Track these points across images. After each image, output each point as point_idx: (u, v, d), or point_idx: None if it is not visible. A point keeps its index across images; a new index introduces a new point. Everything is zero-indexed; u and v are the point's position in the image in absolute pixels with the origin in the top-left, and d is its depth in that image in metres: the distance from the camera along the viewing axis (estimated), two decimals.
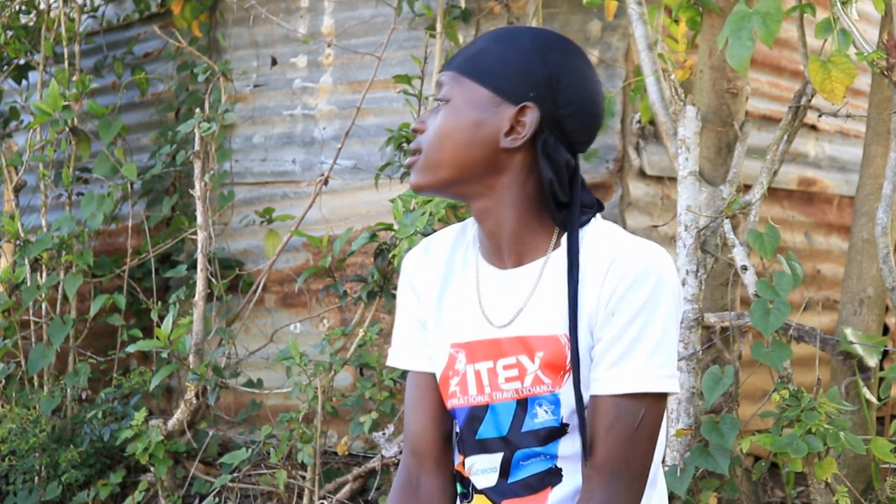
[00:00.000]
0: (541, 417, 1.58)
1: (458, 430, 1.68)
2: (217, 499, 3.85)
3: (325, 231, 4.05)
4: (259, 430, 3.91)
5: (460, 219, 3.19)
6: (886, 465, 3.06)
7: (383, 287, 3.73)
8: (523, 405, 1.59)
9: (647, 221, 4.00)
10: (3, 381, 4.27)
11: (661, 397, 1.54)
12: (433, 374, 1.68)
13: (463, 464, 1.68)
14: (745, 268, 3.05)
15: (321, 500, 3.67)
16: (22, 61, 4.73)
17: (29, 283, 4.25)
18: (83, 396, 4.24)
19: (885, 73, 2.88)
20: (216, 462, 4.05)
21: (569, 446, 1.58)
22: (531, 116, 1.55)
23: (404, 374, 1.73)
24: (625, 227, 3.87)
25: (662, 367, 1.52)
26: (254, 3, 4.36)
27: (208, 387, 3.80)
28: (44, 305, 4.34)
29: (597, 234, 1.58)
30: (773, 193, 4.27)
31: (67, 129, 4.33)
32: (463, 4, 4.05)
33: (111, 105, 4.49)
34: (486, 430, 1.62)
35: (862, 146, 3.54)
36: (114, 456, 4.13)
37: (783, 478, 3.66)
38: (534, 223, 1.60)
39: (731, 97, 3.34)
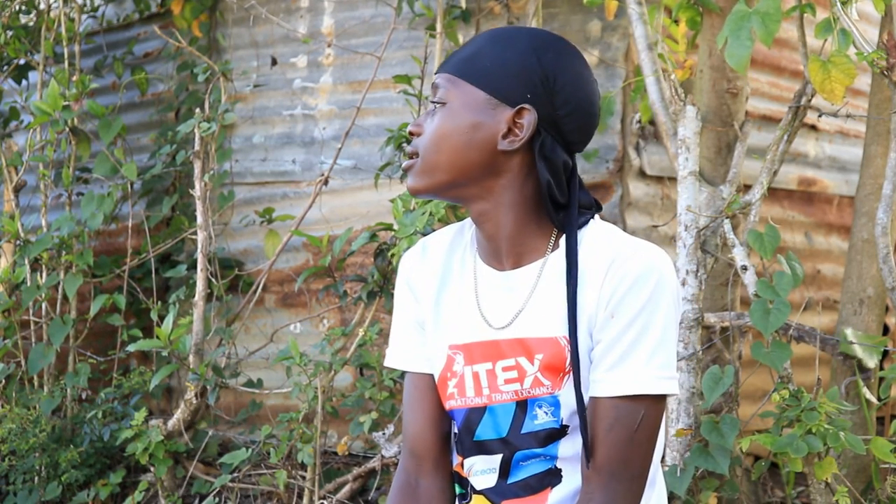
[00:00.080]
0: (541, 419, 1.58)
1: (456, 431, 1.68)
2: (217, 499, 3.85)
3: (325, 231, 4.05)
4: (259, 430, 3.91)
5: (460, 218, 3.19)
6: (886, 465, 3.05)
7: (383, 287, 3.73)
8: (523, 407, 1.59)
9: (647, 221, 3.99)
10: (3, 381, 4.26)
11: (660, 398, 1.54)
12: (431, 375, 1.68)
13: (461, 465, 1.68)
14: (745, 268, 3.05)
15: (321, 500, 3.67)
16: (22, 61, 4.73)
17: (29, 283, 4.25)
18: (83, 396, 4.24)
19: (885, 73, 2.88)
20: (216, 462, 4.05)
21: (569, 447, 1.58)
22: (528, 118, 1.55)
23: (404, 374, 1.73)
24: (625, 227, 3.87)
25: (662, 369, 1.52)
26: (254, 3, 4.36)
27: (208, 387, 3.80)
28: (44, 305, 4.33)
29: (596, 235, 1.58)
30: (773, 193, 4.27)
31: (67, 129, 4.33)
32: (463, 4, 4.05)
33: (111, 105, 4.49)
34: (484, 432, 1.62)
35: (862, 146, 3.54)
36: (114, 456, 4.13)
37: (783, 478, 3.66)
38: (532, 225, 1.60)
39: (731, 97, 3.34)
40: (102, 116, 4.30)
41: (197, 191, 3.96)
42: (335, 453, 4.02)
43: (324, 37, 4.48)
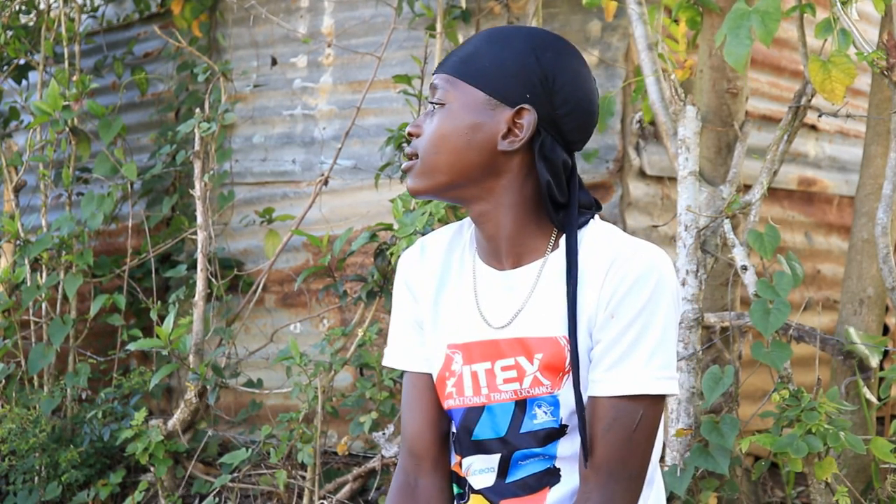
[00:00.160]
0: (540, 418, 1.58)
1: (454, 430, 1.68)
2: (217, 499, 3.85)
3: (325, 231, 4.05)
4: (259, 430, 3.91)
5: (459, 218, 3.19)
6: (886, 465, 3.05)
7: (383, 287, 3.73)
8: (522, 406, 1.59)
9: (647, 221, 3.99)
10: (3, 381, 4.26)
11: (659, 399, 1.54)
12: (430, 375, 1.68)
13: (460, 464, 1.68)
14: (745, 268, 3.05)
15: (321, 500, 3.67)
16: (22, 61, 4.73)
17: (29, 283, 4.25)
18: (83, 396, 4.24)
19: (885, 73, 2.88)
20: (216, 462, 4.05)
21: (567, 447, 1.58)
22: (528, 118, 1.55)
23: (403, 374, 1.73)
24: (625, 227, 3.87)
25: (661, 369, 1.52)
26: (254, 3, 4.36)
27: (208, 387, 3.80)
28: (44, 305, 4.33)
29: (596, 235, 1.58)
30: (773, 193, 4.27)
31: (67, 129, 4.33)
32: (463, 4, 4.05)
33: (111, 105, 4.49)
34: (482, 431, 1.62)
35: (862, 146, 3.54)
36: (114, 456, 4.13)
37: (783, 478, 3.65)
38: (532, 225, 1.60)
39: (731, 97, 3.34)
40: (102, 116, 4.30)
41: (197, 191, 3.96)
42: (335, 453, 4.02)
43: (324, 37, 4.48)
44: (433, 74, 1.62)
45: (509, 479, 1.61)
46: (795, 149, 4.49)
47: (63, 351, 4.30)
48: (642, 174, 4.03)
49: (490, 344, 1.60)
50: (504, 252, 1.61)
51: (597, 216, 1.63)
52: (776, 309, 2.86)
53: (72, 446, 3.99)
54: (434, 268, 1.69)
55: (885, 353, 3.32)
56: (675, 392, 1.55)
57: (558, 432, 1.57)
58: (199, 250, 3.96)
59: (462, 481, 1.68)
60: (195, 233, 4.07)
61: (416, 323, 1.70)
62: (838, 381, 3.28)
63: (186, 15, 4.58)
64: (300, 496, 3.71)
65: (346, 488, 3.74)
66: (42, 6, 4.70)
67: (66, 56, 4.56)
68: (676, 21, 3.61)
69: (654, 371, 1.51)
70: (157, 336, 3.60)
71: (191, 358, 3.84)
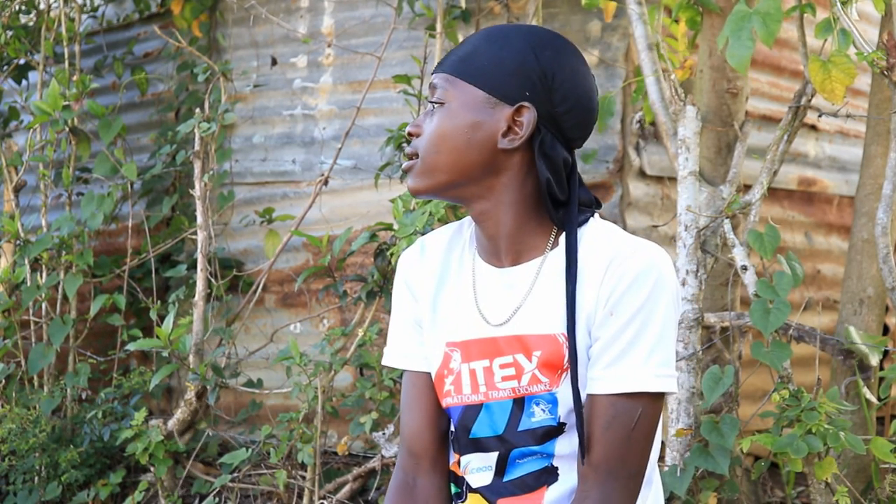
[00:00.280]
0: (538, 416, 1.58)
1: (453, 428, 1.68)
2: (217, 499, 3.85)
3: (325, 231, 4.05)
4: (259, 430, 3.91)
5: (459, 218, 3.19)
6: (886, 465, 3.05)
7: (383, 287, 3.73)
8: (520, 404, 1.59)
9: (647, 221, 3.99)
10: (3, 381, 4.26)
11: (658, 397, 1.54)
12: (429, 374, 1.68)
13: (458, 462, 1.67)
14: (745, 268, 3.05)
15: (321, 500, 3.67)
16: (22, 61, 4.73)
17: (29, 283, 4.25)
18: (83, 396, 4.24)
19: (885, 73, 2.88)
20: (216, 462, 4.05)
21: (565, 445, 1.58)
22: (528, 116, 1.55)
23: (403, 373, 1.73)
24: (625, 227, 3.87)
25: (660, 367, 1.52)
26: (254, 3, 4.36)
27: (208, 387, 3.80)
28: (44, 305, 4.33)
29: (595, 233, 1.58)
30: (773, 193, 4.27)
31: (67, 129, 4.33)
32: (463, 4, 4.05)
33: (111, 105, 4.49)
34: (480, 429, 1.62)
35: (862, 146, 3.54)
36: (114, 456, 4.13)
37: (783, 478, 3.65)
38: (532, 223, 1.60)
39: (731, 97, 3.34)
40: (102, 116, 4.31)
41: (197, 191, 3.96)
42: (335, 453, 4.02)
43: (324, 37, 4.48)
44: (432, 74, 1.62)
45: (507, 478, 1.61)
46: (795, 149, 4.49)
47: (63, 351, 4.30)
48: (642, 174, 4.03)
49: (488, 342, 1.60)
50: (504, 250, 1.61)
51: (597, 214, 1.63)
52: (776, 309, 2.86)
53: (72, 446, 3.99)
54: (434, 267, 1.69)
55: (885, 353, 3.32)
56: (674, 390, 1.55)
57: (556, 430, 1.57)
58: (199, 250, 3.96)
59: (460, 480, 1.68)
60: (195, 233, 4.07)
61: (416, 322, 1.70)
62: (838, 381, 3.28)
63: (186, 15, 4.58)
64: (300, 496, 3.71)
65: (346, 488, 3.74)
66: (42, 6, 4.70)
67: (66, 56, 4.56)
68: (676, 21, 3.61)
69: (653, 369, 1.51)
70: (157, 336, 3.60)
71: (191, 358, 3.84)
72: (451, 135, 1.56)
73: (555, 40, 1.58)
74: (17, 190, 4.48)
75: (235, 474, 3.83)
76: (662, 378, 1.52)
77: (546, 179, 1.56)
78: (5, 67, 4.72)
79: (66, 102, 4.22)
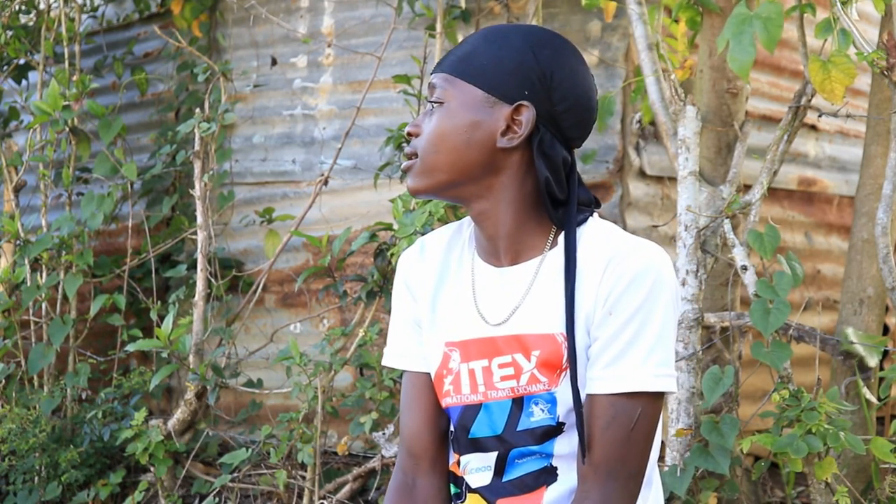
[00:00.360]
0: (537, 416, 1.58)
1: (452, 428, 1.68)
2: (217, 499, 3.85)
3: (325, 231, 4.05)
4: (259, 430, 3.91)
5: (459, 218, 3.19)
6: (886, 465, 3.05)
7: (383, 287, 3.73)
8: (519, 404, 1.58)
9: (647, 221, 3.99)
10: (3, 381, 4.26)
11: (657, 396, 1.54)
12: (428, 374, 1.68)
13: (458, 462, 1.67)
14: (745, 268, 3.05)
15: (321, 500, 3.67)
16: (22, 61, 4.73)
17: (29, 283, 4.25)
18: (83, 396, 4.24)
19: (885, 73, 2.88)
20: (216, 462, 4.05)
21: (565, 445, 1.58)
22: (527, 115, 1.55)
23: (403, 373, 1.73)
24: (625, 227, 3.87)
25: (659, 367, 1.52)
26: (254, 3, 4.36)
27: (208, 387, 3.79)
28: (44, 305, 4.33)
29: (594, 233, 1.58)
30: (773, 193, 4.27)
31: (67, 129, 4.33)
32: (463, 4, 4.05)
33: (111, 105, 4.49)
34: (479, 429, 1.62)
35: (862, 146, 3.54)
36: (114, 456, 4.13)
37: (783, 478, 3.65)
38: (532, 222, 1.60)
39: (731, 97, 3.34)
40: (102, 116, 4.31)
41: (197, 191, 3.96)
42: (335, 453, 4.02)
43: (324, 37, 4.48)
44: (431, 74, 1.62)
45: (506, 478, 1.61)
46: (795, 149, 4.49)
47: (63, 351, 4.30)
48: (642, 174, 4.03)
49: (487, 341, 1.60)
50: (503, 250, 1.61)
51: (596, 214, 1.63)
52: (776, 309, 2.86)
53: (72, 446, 3.99)
54: (433, 266, 1.69)
55: (885, 353, 3.32)
56: (674, 390, 1.54)
57: (555, 430, 1.57)
58: (199, 250, 3.96)
59: (459, 481, 1.68)
60: (195, 233, 4.07)
61: (415, 322, 1.70)
62: (838, 381, 3.28)
63: (186, 15, 4.58)
64: (300, 496, 3.71)
65: (346, 488, 3.74)
66: (42, 6, 4.70)
67: (66, 56, 4.56)
68: (676, 21, 3.61)
69: (652, 368, 1.51)
70: (157, 336, 3.60)
71: (191, 358, 3.84)
72: (451, 134, 1.56)
73: (554, 40, 1.58)
74: (17, 190, 4.48)
75: (235, 474, 3.83)
76: (662, 378, 1.52)
77: (545, 178, 1.56)
78: (5, 67, 4.72)
79: (66, 102, 4.22)
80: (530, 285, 1.59)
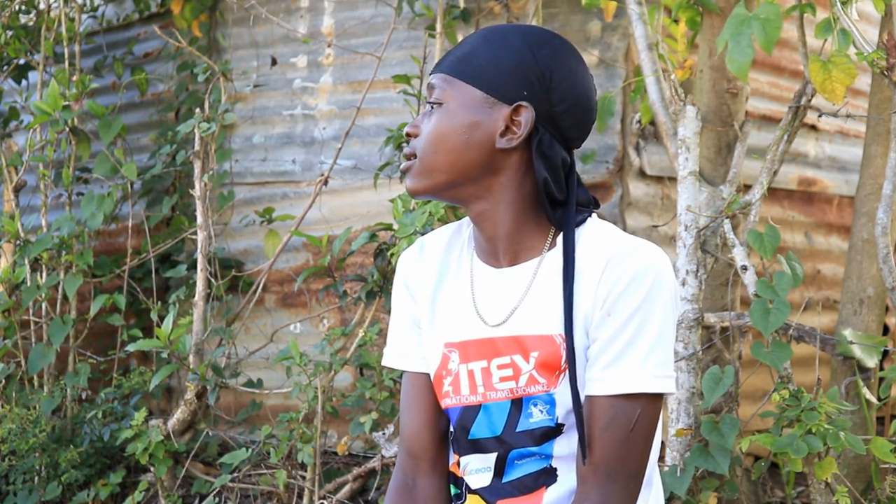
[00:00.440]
0: (536, 417, 1.57)
1: (452, 429, 1.68)
2: (217, 499, 3.85)
3: (325, 231, 4.05)
4: (259, 430, 3.91)
5: (459, 218, 3.19)
6: (886, 465, 3.05)
7: (383, 287, 3.73)
8: (518, 405, 1.58)
9: (647, 221, 3.99)
10: (3, 381, 4.26)
11: (656, 397, 1.53)
12: (428, 375, 1.68)
13: (458, 463, 1.67)
14: (745, 268, 3.05)
15: (321, 500, 3.67)
16: (22, 61, 4.73)
17: (29, 283, 4.25)
18: (83, 396, 4.24)
19: (885, 73, 2.88)
20: (216, 462, 4.05)
21: (564, 446, 1.57)
22: (526, 116, 1.55)
23: (403, 373, 1.73)
24: (625, 227, 3.87)
25: (659, 368, 1.52)
26: (254, 3, 4.36)
27: (208, 387, 3.80)
28: (44, 305, 4.33)
29: (593, 233, 1.58)
30: (773, 193, 4.27)
31: (67, 129, 4.33)
32: (463, 4, 4.05)
33: (111, 105, 4.49)
34: (479, 430, 1.62)
35: (862, 146, 3.54)
36: (114, 456, 4.13)
37: (783, 478, 3.65)
38: (531, 223, 1.60)
39: (731, 97, 3.34)
40: (102, 116, 4.31)
41: (197, 191, 3.96)
42: (335, 453, 4.02)
43: (324, 37, 4.48)
44: (430, 74, 1.62)
45: (506, 479, 1.61)
46: (795, 149, 4.49)
47: (63, 351, 4.30)
48: (642, 174, 4.03)
49: (486, 342, 1.60)
50: (502, 250, 1.61)
51: (594, 214, 1.63)
52: (776, 309, 2.86)
53: (72, 446, 3.99)
54: (432, 267, 1.69)
55: (885, 353, 3.32)
56: (673, 391, 1.54)
57: (554, 431, 1.57)
58: (199, 250, 3.96)
59: (459, 481, 1.68)
60: (195, 233, 4.07)
61: (415, 323, 1.70)
62: (838, 381, 3.28)
63: (186, 15, 4.58)
64: (300, 496, 3.71)
65: (346, 488, 3.74)
66: (42, 6, 4.70)
67: (66, 56, 4.56)
68: (676, 21, 3.61)
69: (651, 369, 1.51)
70: (157, 336, 3.60)
71: (191, 358, 3.84)
72: (450, 135, 1.56)
73: (553, 40, 1.58)
74: (17, 190, 4.48)
75: (235, 474, 3.83)
76: (661, 379, 1.52)
77: (543, 179, 1.56)
78: (5, 67, 4.72)
79: (66, 102, 4.22)
80: (529, 286, 1.59)
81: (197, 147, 3.94)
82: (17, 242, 4.25)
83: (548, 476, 1.59)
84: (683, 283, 3.10)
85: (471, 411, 1.62)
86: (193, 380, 3.79)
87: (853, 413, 3.19)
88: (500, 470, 1.61)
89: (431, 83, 1.60)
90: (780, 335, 3.00)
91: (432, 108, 1.59)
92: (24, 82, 4.86)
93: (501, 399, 1.59)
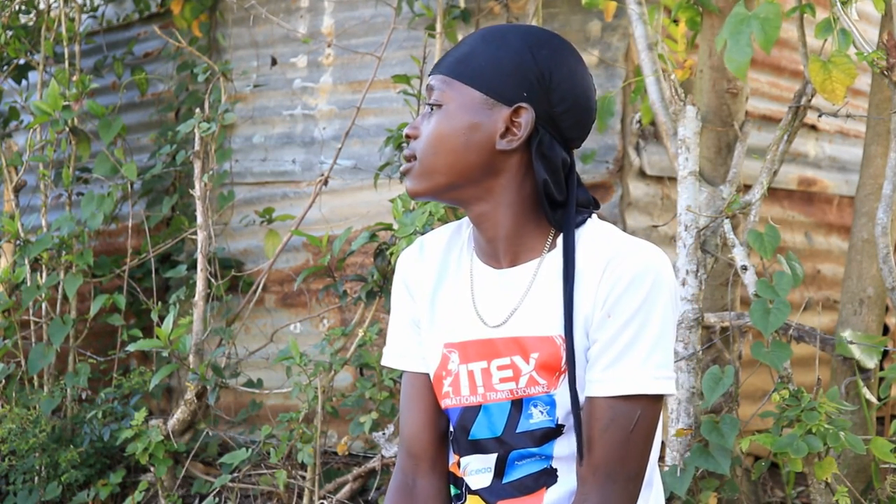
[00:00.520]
0: (536, 418, 1.57)
1: (452, 429, 1.67)
2: (217, 499, 3.85)
3: (325, 231, 4.05)
4: (259, 430, 3.91)
5: (459, 218, 3.19)
6: (886, 465, 3.05)
7: (383, 287, 3.73)
8: (518, 406, 1.58)
9: (647, 221, 3.99)
10: (3, 381, 4.26)
11: (656, 399, 1.53)
12: (428, 375, 1.68)
13: (458, 464, 1.67)
14: (745, 268, 3.05)
15: (321, 500, 3.67)
16: (22, 61, 4.73)
17: (29, 283, 4.25)
18: (83, 396, 4.24)
19: (885, 73, 2.88)
20: (216, 462, 4.05)
21: (564, 447, 1.57)
22: (526, 117, 1.54)
23: (402, 373, 1.73)
24: (625, 227, 3.87)
25: (659, 369, 1.52)
26: (254, 3, 4.36)
27: (208, 387, 3.80)
28: (44, 305, 4.33)
29: (593, 234, 1.58)
30: (773, 193, 4.27)
31: (67, 129, 4.33)
32: (463, 4, 4.05)
33: (111, 105, 4.49)
34: (479, 431, 1.62)
35: (862, 146, 3.54)
36: (114, 456, 4.13)
37: (783, 478, 3.65)
38: (531, 224, 1.60)
39: (731, 97, 3.34)
40: (102, 116, 4.30)
41: (197, 191, 3.96)
42: (335, 453, 4.02)
43: (324, 37, 4.48)
44: (429, 75, 1.62)
45: (506, 480, 1.61)
46: (795, 149, 4.49)
47: (63, 351, 4.30)
48: (642, 174, 4.03)
49: (486, 343, 1.60)
50: (502, 251, 1.61)
51: (594, 215, 1.62)
52: (776, 309, 2.86)
53: (72, 446, 3.99)
54: (432, 266, 1.69)
55: (885, 353, 3.32)
56: (673, 392, 1.54)
57: (555, 432, 1.57)
58: (199, 250, 3.96)
59: (459, 482, 1.68)
60: (195, 233, 4.07)
61: (414, 322, 1.70)
62: (838, 381, 3.28)
63: (186, 15, 4.58)
64: (300, 496, 3.71)
65: (346, 488, 3.74)
66: (42, 6, 4.70)
67: (66, 56, 4.56)
68: (676, 21, 3.61)
69: (651, 371, 1.51)
70: (157, 336, 3.60)
71: (191, 358, 3.84)
72: (449, 137, 1.56)
73: (552, 40, 1.58)
74: (17, 190, 4.48)
75: (235, 474, 3.83)
76: (661, 380, 1.52)
77: (543, 181, 1.56)
78: (5, 67, 4.72)
79: (66, 102, 4.22)
80: (529, 287, 1.58)
81: (197, 147, 3.94)
82: (17, 242, 4.25)
83: (548, 477, 1.59)
84: (683, 283, 3.10)
85: (471, 412, 1.62)
86: (193, 380, 3.79)
87: (853, 413, 3.19)
88: (500, 470, 1.61)
89: (430, 84, 1.59)
90: (780, 335, 3.00)
91: (431, 109, 1.59)
92: (24, 82, 4.85)
93: (501, 400, 1.59)
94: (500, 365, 1.59)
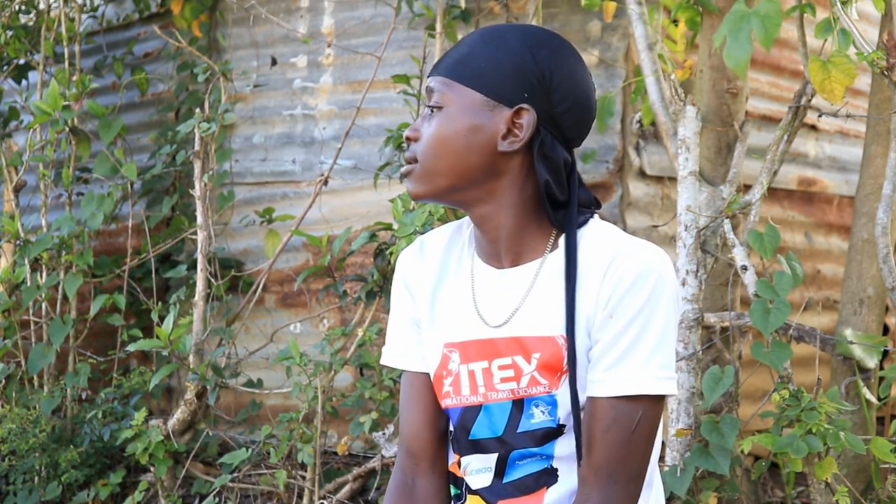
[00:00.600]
0: (537, 418, 1.57)
1: (452, 429, 1.67)
2: (217, 499, 3.85)
3: (325, 231, 4.05)
4: (259, 430, 3.91)
5: (459, 218, 3.19)
6: (886, 465, 3.05)
7: (383, 287, 3.73)
8: (519, 406, 1.58)
9: (647, 221, 3.99)
10: (3, 381, 4.26)
11: (658, 399, 1.53)
12: (428, 374, 1.68)
13: (458, 463, 1.67)
14: (745, 268, 3.05)
15: (321, 500, 3.67)
16: (22, 61, 4.73)
17: (29, 283, 4.25)
18: (83, 396, 4.24)
19: (885, 73, 2.88)
20: (216, 462, 4.05)
21: (565, 447, 1.57)
22: (528, 118, 1.54)
23: (402, 373, 1.72)
24: (625, 227, 3.87)
25: (660, 369, 1.52)
26: (254, 3, 4.36)
27: (208, 387, 3.79)
28: (44, 305, 4.33)
29: (595, 235, 1.58)
30: (773, 193, 4.27)
31: (67, 129, 4.33)
32: (463, 4, 4.05)
33: (111, 105, 4.49)
34: (480, 431, 1.61)
35: (862, 146, 3.54)
36: (114, 456, 4.13)
37: (783, 478, 3.65)
38: (533, 225, 1.59)
39: (731, 97, 3.34)
40: (102, 116, 4.30)
41: (197, 191, 3.96)
42: (335, 453, 4.02)
43: (324, 37, 4.48)
44: (428, 77, 1.61)
45: (506, 480, 1.61)
46: (795, 149, 4.49)
47: (63, 351, 4.30)
48: (642, 174, 4.03)
49: (487, 343, 1.60)
50: (503, 252, 1.61)
51: (596, 215, 1.62)
52: (776, 309, 2.86)
53: (72, 446, 3.99)
54: (432, 266, 1.68)
55: (885, 353, 3.32)
56: (675, 392, 1.54)
57: (556, 432, 1.57)
58: (199, 250, 3.96)
59: (459, 481, 1.68)
60: (195, 233, 4.07)
61: (414, 322, 1.70)
62: (838, 381, 3.28)
63: (186, 15, 4.58)
64: (300, 496, 3.71)
65: (346, 488, 3.74)
66: (42, 6, 4.70)
67: (66, 56, 4.56)
68: (676, 22, 3.61)
69: (653, 371, 1.51)
70: (157, 336, 3.60)
71: (191, 358, 3.84)
72: (451, 139, 1.56)
73: (551, 40, 1.57)
74: (17, 190, 4.48)
75: (235, 474, 3.83)
76: (663, 380, 1.52)
77: (545, 181, 1.56)
78: (5, 67, 4.72)
79: (66, 102, 4.22)
80: (530, 287, 1.58)
81: (197, 147, 3.94)
82: (17, 242, 4.25)
83: (548, 477, 1.59)
84: (683, 283, 3.10)
85: (471, 412, 1.62)
86: (193, 380, 3.79)
87: (853, 413, 3.19)
88: (500, 470, 1.61)
89: (430, 86, 1.59)
90: (780, 335, 3.00)
91: (432, 111, 1.58)
92: (24, 82, 4.85)
93: (502, 400, 1.59)
94: (502, 365, 1.59)
